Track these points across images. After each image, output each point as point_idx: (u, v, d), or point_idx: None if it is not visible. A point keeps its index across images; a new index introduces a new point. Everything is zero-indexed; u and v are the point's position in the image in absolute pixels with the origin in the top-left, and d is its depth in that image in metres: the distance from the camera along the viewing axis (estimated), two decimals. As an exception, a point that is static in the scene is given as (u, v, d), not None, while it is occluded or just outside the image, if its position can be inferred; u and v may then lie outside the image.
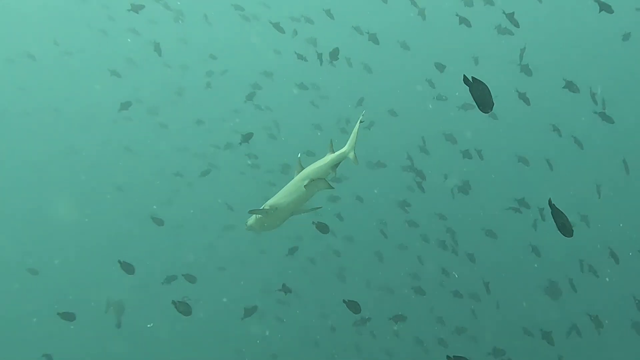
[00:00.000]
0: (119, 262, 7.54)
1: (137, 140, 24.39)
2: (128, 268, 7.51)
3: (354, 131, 6.88)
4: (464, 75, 4.11)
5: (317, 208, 7.06)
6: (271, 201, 6.82)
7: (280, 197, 6.83)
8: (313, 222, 7.44)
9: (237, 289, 18.04)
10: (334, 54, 11.06)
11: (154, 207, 21.26)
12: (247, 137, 10.34)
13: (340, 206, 15.65)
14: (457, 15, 11.67)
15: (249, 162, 16.00)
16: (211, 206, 21.28)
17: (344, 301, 6.98)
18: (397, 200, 14.30)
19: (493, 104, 4.03)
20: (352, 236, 15.66)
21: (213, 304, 17.68)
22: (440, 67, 12.23)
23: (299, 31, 19.85)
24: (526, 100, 11.43)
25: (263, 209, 6.70)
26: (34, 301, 18.87)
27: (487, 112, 4.06)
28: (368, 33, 12.55)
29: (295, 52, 12.75)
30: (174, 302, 6.49)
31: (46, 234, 22.35)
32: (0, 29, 27.61)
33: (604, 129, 17.57)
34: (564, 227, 3.99)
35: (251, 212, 6.66)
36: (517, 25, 10.41)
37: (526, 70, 11.54)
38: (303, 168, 6.99)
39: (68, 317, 8.05)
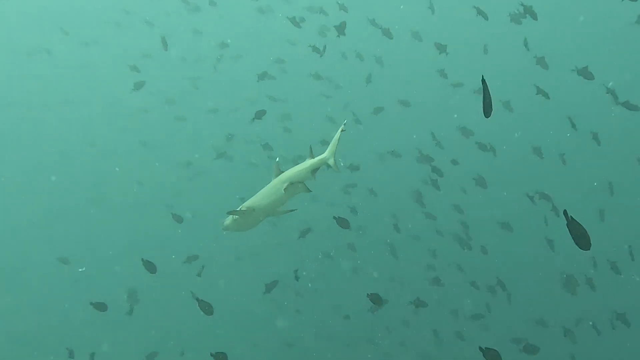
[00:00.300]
0: (142, 260, 7.67)
1: (154, 134, 24.57)
2: (150, 267, 7.65)
3: (334, 138, 7.04)
4: (482, 76, 4.17)
5: (293, 210, 7.17)
6: (248, 203, 6.94)
7: (258, 199, 6.96)
8: (334, 217, 7.56)
9: (251, 280, 18.19)
10: (341, 29, 10.94)
11: (169, 203, 21.44)
12: (260, 114, 10.30)
13: (354, 198, 15.67)
14: (474, 7, 11.55)
15: (276, 157, 16.10)
16: (225, 198, 21.45)
17: (367, 295, 7.10)
18: (412, 193, 14.31)
19: (492, 110, 4.09)
20: (366, 229, 15.69)
21: (227, 294, 17.88)
22: (441, 48, 12.10)
23: (314, 23, 19.81)
24: (544, 94, 11.27)
25: (240, 210, 6.82)
26: (61, 293, 19.21)
27: (487, 117, 4.12)
28: (382, 28, 12.47)
29: (310, 45, 12.70)
30: (197, 300, 6.57)
31: (65, 227, 22.65)
32: (19, 23, 27.99)
33: (621, 122, 17.37)
34: (581, 240, 3.79)
35: (229, 213, 6.81)
36: (535, 17, 10.30)
37: (542, 63, 11.43)
38: (281, 172, 7.10)
39: (100, 307, 8.29)
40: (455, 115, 20.15)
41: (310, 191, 6.91)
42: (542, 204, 12.13)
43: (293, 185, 6.83)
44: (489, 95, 4.01)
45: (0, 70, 28.23)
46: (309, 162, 7.03)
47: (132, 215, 22.53)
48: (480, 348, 4.91)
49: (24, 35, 28.00)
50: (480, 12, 11.05)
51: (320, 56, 11.37)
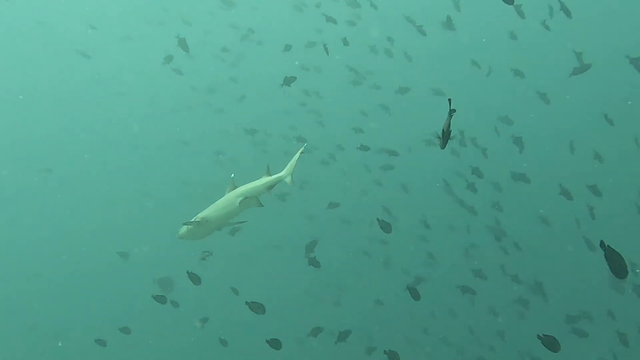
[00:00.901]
0: (187, 272, 8.11)
1: (194, 129, 25.12)
2: (195, 279, 8.07)
3: (293, 159, 7.65)
4: (449, 99, 4.26)
5: (243, 222, 7.77)
6: (203, 214, 7.46)
7: (212, 210, 7.48)
8: (377, 219, 7.90)
9: (289, 272, 18.56)
10: None
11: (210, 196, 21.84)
12: (289, 80, 10.30)
13: (387, 195, 15.72)
14: (515, 6, 11.44)
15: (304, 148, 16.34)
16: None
17: (407, 287, 7.38)
18: (446, 188, 14.34)
19: (448, 139, 4.22)
20: (399, 226, 15.72)
21: (267, 285, 18.30)
22: (450, 24, 12.01)
23: (345, 16, 19.85)
24: (582, 67, 10.96)
25: (195, 220, 7.35)
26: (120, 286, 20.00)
27: (443, 148, 4.23)
28: (416, 25, 12.56)
29: (342, 39, 12.82)
30: (247, 303, 6.97)
31: (120, 221, 23.40)
32: (61, 22, 28.91)
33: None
34: (618, 270, 3.77)
35: (184, 223, 7.37)
36: (569, 15, 10.22)
37: (580, 59, 11.32)
38: (235, 187, 7.61)
39: (160, 300, 8.81)
40: (491, 107, 20.00)
41: (262, 206, 7.48)
42: (578, 201, 11.98)
43: (247, 199, 7.35)
44: (449, 124, 4.08)
45: (46, 70, 29.41)
46: (265, 179, 7.57)
47: (175, 209, 23.12)
48: (538, 336, 5.14)
49: (66, 34, 28.96)
50: (518, 11, 10.98)
51: (327, 54, 11.49)
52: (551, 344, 5.15)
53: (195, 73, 23.66)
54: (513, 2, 5.45)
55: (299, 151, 7.66)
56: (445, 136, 4.19)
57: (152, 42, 27.28)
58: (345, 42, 12.72)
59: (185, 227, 7.49)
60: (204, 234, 7.56)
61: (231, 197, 7.49)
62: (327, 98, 21.37)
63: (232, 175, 7.82)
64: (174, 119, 26.47)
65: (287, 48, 13.18)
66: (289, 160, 7.78)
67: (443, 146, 4.25)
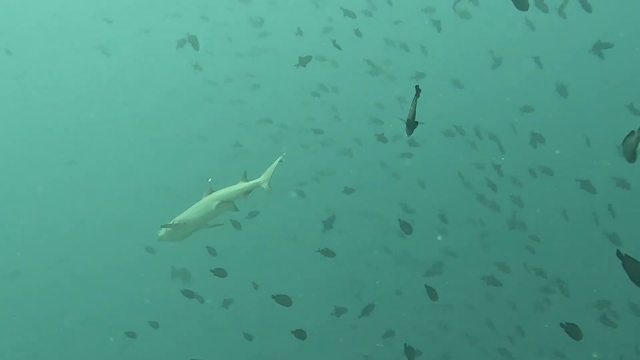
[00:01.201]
0: (211, 270, 8.29)
1: (214, 122, 25.32)
2: (221, 273, 8.24)
3: (271, 166, 7.95)
4: (417, 85, 4.11)
5: (220, 224, 8.22)
6: (181, 217, 7.82)
7: (189, 213, 7.86)
8: (399, 220, 7.98)
9: (307, 265, 18.67)
10: None
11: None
12: (304, 61, 10.16)
13: (404, 191, 15.68)
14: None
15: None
16: (280, 181, 21.84)
17: (425, 286, 7.44)
18: (463, 180, 14.30)
19: (415, 127, 4.16)
20: (415, 218, 15.75)
21: (286, 278, 18.47)
22: (458, 8, 11.85)
23: (361, 7, 19.75)
24: (603, 45, 10.82)
25: (173, 223, 7.72)
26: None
27: (409, 135, 4.21)
28: (432, 20, 12.53)
29: (354, 30, 12.81)
30: (273, 296, 7.13)
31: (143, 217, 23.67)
32: (84, 16, 29.23)
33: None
34: (639, 279, 3.69)
35: (163, 226, 7.73)
36: (589, 10, 10.10)
37: (598, 52, 11.17)
38: (212, 191, 7.98)
39: (189, 294, 9.01)
40: (508, 98, 19.85)
41: (238, 210, 7.88)
42: (600, 195, 11.84)
43: (223, 203, 7.70)
44: (414, 110, 4.00)
45: (64, 64, 29.81)
46: (241, 185, 7.89)
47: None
48: (561, 324, 5.14)
49: (84, 28, 29.27)
50: (539, 4, 10.89)
51: (341, 49, 11.54)
52: (574, 332, 5.18)
53: (212, 66, 23.79)
54: (527, 7, 5.41)
55: (278, 159, 7.95)
56: (411, 124, 4.12)
57: (169, 35, 27.47)
58: (358, 34, 12.74)
59: (164, 229, 7.80)
60: (182, 236, 7.94)
61: (208, 200, 7.86)
62: (343, 90, 21.36)
63: (210, 179, 8.19)
64: (192, 111, 26.69)
65: (299, 32, 13.19)
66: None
67: (409, 133, 4.21)
